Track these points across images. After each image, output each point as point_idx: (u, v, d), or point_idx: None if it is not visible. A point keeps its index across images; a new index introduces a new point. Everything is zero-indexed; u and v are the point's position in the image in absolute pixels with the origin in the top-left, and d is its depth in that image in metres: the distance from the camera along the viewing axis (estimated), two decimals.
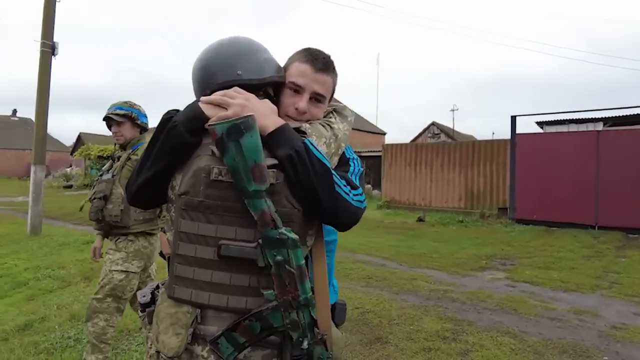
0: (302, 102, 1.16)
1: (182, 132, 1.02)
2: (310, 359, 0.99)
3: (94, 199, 2.67)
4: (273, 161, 1.01)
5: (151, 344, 1.10)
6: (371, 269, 5.85)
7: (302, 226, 1.02)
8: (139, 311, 1.17)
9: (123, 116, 2.74)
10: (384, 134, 26.63)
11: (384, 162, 13.80)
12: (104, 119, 2.81)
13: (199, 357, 1.01)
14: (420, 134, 27.27)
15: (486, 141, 12.23)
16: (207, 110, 1.03)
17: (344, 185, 1.06)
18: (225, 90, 1.06)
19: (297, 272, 0.97)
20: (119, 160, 2.75)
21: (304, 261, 0.98)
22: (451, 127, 27.05)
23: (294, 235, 0.96)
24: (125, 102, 2.81)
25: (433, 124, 26.79)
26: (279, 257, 0.96)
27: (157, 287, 1.17)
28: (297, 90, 1.18)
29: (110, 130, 2.85)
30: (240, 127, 0.94)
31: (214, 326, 1.01)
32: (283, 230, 0.95)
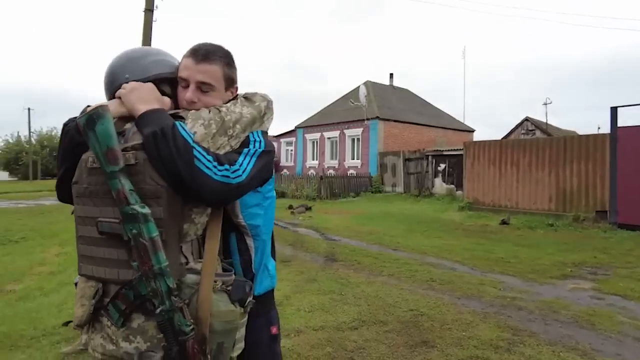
0: (188, 93, 1.25)
1: (73, 134, 1.17)
2: (171, 325, 1.04)
3: None
4: (137, 142, 1.10)
5: None
6: (437, 272, 5.65)
7: (171, 202, 1.07)
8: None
9: None
10: (472, 131, 25.22)
11: (465, 161, 13.13)
12: None
13: (105, 326, 1.12)
14: (512, 131, 25.35)
15: (580, 136, 11.00)
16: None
17: (209, 161, 1.09)
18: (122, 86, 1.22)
19: (149, 243, 1.02)
20: None
21: (156, 233, 1.03)
22: (548, 122, 24.73)
23: (145, 210, 1.03)
24: None
25: (527, 119, 24.72)
26: (134, 231, 1.03)
27: None
28: (184, 83, 1.27)
29: None
30: (93, 117, 1.04)
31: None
32: (135, 206, 1.03)
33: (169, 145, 1.06)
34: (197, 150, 1.09)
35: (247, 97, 1.32)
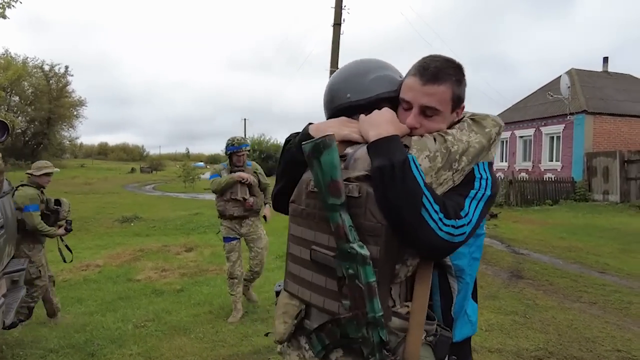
0: (410, 118, 1.13)
1: (294, 152, 1.17)
2: None
3: None
4: (361, 172, 1.04)
5: None
6: None
7: (391, 242, 0.99)
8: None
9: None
10: None
11: None
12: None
13: (302, 348, 1.14)
14: None
15: None
16: (314, 131, 1.16)
17: (436, 212, 0.99)
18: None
19: (365, 288, 0.96)
20: None
21: (374, 279, 0.97)
22: None
23: (364, 252, 0.96)
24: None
25: None
26: (350, 271, 0.98)
27: None
28: (407, 105, 1.15)
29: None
30: (319, 145, 0.99)
31: (315, 323, 1.10)
32: (354, 245, 0.97)
33: (396, 185, 0.97)
34: (426, 197, 0.99)
35: (476, 121, 1.16)
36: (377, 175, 1.00)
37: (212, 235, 8.47)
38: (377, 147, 1.04)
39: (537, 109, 19.45)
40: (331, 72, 11.20)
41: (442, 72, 1.12)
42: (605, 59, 20.61)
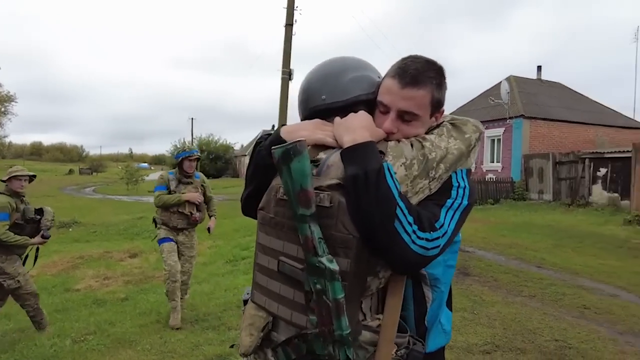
0: (387, 123, 1.08)
1: (265, 155, 1.10)
2: None
3: None
4: (334, 181, 0.98)
5: None
6: (592, 298, 4.88)
7: (362, 255, 0.94)
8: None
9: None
10: None
11: (635, 165, 11.06)
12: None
13: None
14: None
15: None
16: (286, 134, 1.10)
17: (409, 224, 0.94)
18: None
19: (333, 305, 0.91)
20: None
21: (342, 295, 0.91)
22: None
23: (333, 266, 0.91)
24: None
25: None
26: (318, 286, 0.92)
27: None
28: (384, 108, 1.10)
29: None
30: (290, 152, 0.93)
31: (283, 336, 1.05)
32: (322, 259, 0.91)
33: (369, 195, 0.92)
34: (400, 208, 0.93)
35: (456, 126, 1.11)
36: (350, 184, 0.95)
37: None
38: (351, 154, 0.98)
39: (480, 113, 20.47)
40: (283, 73, 11.12)
41: (422, 75, 1.07)
42: (539, 68, 22.11)
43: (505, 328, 3.87)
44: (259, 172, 1.15)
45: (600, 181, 13.93)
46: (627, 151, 12.35)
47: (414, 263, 0.96)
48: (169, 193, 4.15)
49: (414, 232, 0.94)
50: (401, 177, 0.98)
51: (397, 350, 1.02)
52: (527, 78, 21.33)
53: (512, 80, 19.80)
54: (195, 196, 4.17)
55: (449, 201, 1.02)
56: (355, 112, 1.09)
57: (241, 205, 1.27)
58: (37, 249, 3.94)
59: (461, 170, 1.07)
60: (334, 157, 1.03)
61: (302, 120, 1.22)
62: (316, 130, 1.10)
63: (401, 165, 0.99)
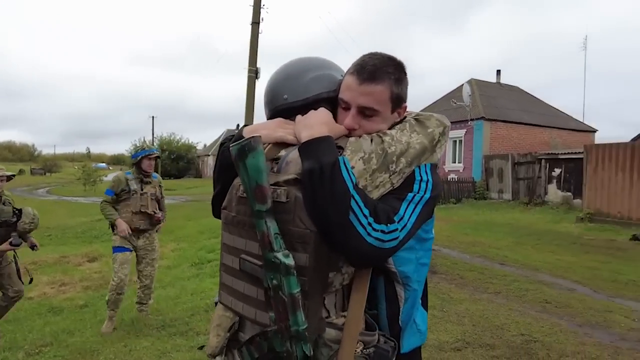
0: (348, 119, 1.09)
1: (227, 155, 1.08)
2: None
3: None
4: (290, 176, 0.99)
5: None
6: (552, 292, 5.08)
7: (321, 249, 0.94)
8: None
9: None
10: (594, 131, 22.34)
11: (586, 166, 11.67)
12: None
13: None
14: None
15: None
16: (247, 133, 1.10)
17: (365, 216, 0.94)
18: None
19: (288, 300, 0.91)
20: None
21: (297, 290, 0.91)
22: None
23: (288, 261, 0.91)
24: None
25: None
26: (274, 281, 0.93)
27: None
28: (345, 105, 1.11)
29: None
30: (245, 148, 0.94)
31: (248, 335, 1.05)
32: (278, 254, 0.92)
33: (324, 187, 0.93)
34: (355, 200, 0.94)
35: (419, 121, 1.12)
36: (306, 178, 0.96)
37: None
38: (307, 149, 0.99)
39: (442, 114, 20.97)
40: (249, 71, 10.96)
41: (380, 70, 1.08)
42: (499, 72, 22.97)
43: (474, 325, 3.95)
44: (224, 172, 1.15)
45: (555, 181, 14.63)
46: (579, 152, 13.04)
47: (370, 256, 0.96)
48: (128, 193, 4.00)
49: (369, 224, 0.94)
50: (359, 171, 0.99)
51: (364, 348, 1.02)
52: (487, 81, 22.10)
53: (473, 83, 20.45)
54: (124, 231, 3.94)
55: (410, 195, 1.03)
56: (316, 110, 1.11)
57: (212, 209, 1.27)
58: (16, 259, 3.57)
59: (425, 165, 1.08)
60: (293, 154, 1.05)
61: (267, 120, 1.23)
62: (277, 129, 1.11)
63: (359, 159, 1.00)
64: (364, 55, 1.13)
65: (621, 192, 10.70)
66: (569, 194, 13.93)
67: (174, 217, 12.25)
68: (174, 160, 47.01)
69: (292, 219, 0.96)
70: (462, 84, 19.49)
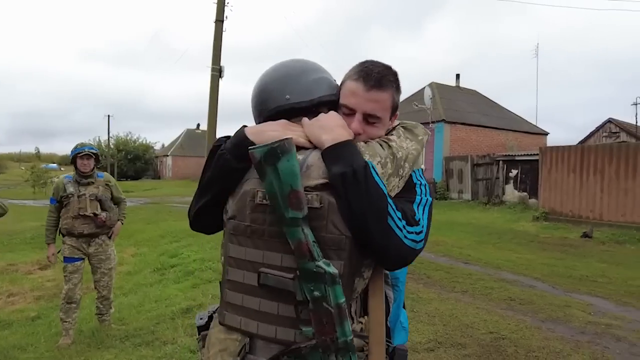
0: (354, 124, 1.08)
1: (230, 159, 1.03)
2: None
3: None
4: (319, 181, 0.95)
5: None
6: (515, 290, 5.25)
7: (354, 255, 0.92)
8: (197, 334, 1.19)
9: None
10: (546, 134, 23.55)
11: (541, 167, 12.25)
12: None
13: None
14: (592, 134, 23.35)
15: None
16: (254, 135, 1.04)
17: (399, 219, 0.94)
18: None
19: (335, 311, 0.87)
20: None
21: (343, 299, 0.88)
22: (634, 124, 22.47)
23: (332, 270, 0.87)
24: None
25: (610, 120, 22.61)
26: (316, 293, 0.88)
27: (216, 310, 1.13)
28: (348, 110, 1.11)
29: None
30: (277, 150, 0.89)
31: (262, 357, 0.97)
32: (320, 263, 0.87)
33: (360, 192, 0.91)
34: (390, 204, 0.93)
35: (408, 129, 1.14)
36: (338, 182, 0.93)
37: None
38: (335, 153, 0.97)
39: (404, 117, 20.92)
40: (213, 70, 10.69)
41: (385, 78, 1.10)
42: (458, 76, 23.72)
43: (444, 324, 4.00)
44: (221, 179, 1.06)
45: (512, 181, 15.25)
46: (535, 154, 13.67)
47: (408, 258, 0.97)
48: (67, 198, 3.75)
49: (404, 227, 0.95)
50: (379, 176, 0.99)
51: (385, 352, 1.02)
52: (447, 85, 22.76)
53: (434, 86, 20.99)
54: (50, 257, 3.87)
55: (418, 198, 1.05)
56: (318, 113, 1.09)
57: (190, 220, 1.16)
58: None
59: (418, 170, 1.11)
60: (313, 157, 1.01)
61: (257, 123, 1.17)
62: (286, 131, 1.05)
63: (378, 164, 1.00)
64: (365, 63, 1.13)
65: (572, 192, 11.30)
66: (525, 194, 14.57)
67: (132, 220, 11.74)
68: (131, 161, 45.30)
69: (324, 225, 0.93)
70: (424, 87, 19.97)
